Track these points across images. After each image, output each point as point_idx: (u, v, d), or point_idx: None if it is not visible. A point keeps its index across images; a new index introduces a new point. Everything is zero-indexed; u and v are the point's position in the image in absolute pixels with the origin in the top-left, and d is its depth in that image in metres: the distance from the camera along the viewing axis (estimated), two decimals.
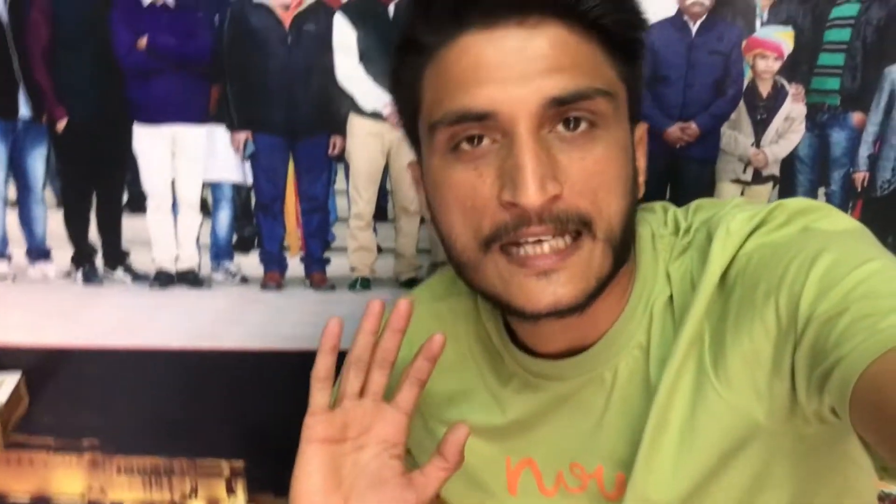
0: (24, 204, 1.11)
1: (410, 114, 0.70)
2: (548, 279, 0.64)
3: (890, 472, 0.75)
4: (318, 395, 0.67)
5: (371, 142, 1.07)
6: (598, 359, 0.74)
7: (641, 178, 0.71)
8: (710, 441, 0.69)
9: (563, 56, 0.61)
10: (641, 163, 0.72)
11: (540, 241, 0.63)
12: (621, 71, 0.66)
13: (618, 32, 0.64)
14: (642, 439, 0.70)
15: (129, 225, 1.12)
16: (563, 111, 0.61)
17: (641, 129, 0.72)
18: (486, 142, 0.63)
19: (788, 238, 0.68)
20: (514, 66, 0.61)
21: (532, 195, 0.60)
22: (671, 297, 0.73)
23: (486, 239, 0.64)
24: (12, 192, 1.11)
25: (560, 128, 0.62)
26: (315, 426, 0.67)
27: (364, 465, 0.68)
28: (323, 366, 0.68)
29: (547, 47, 0.61)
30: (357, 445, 0.68)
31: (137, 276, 1.15)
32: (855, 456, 0.72)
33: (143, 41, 1.03)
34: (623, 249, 0.66)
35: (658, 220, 0.77)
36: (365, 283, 1.15)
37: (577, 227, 0.63)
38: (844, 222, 0.69)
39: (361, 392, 0.68)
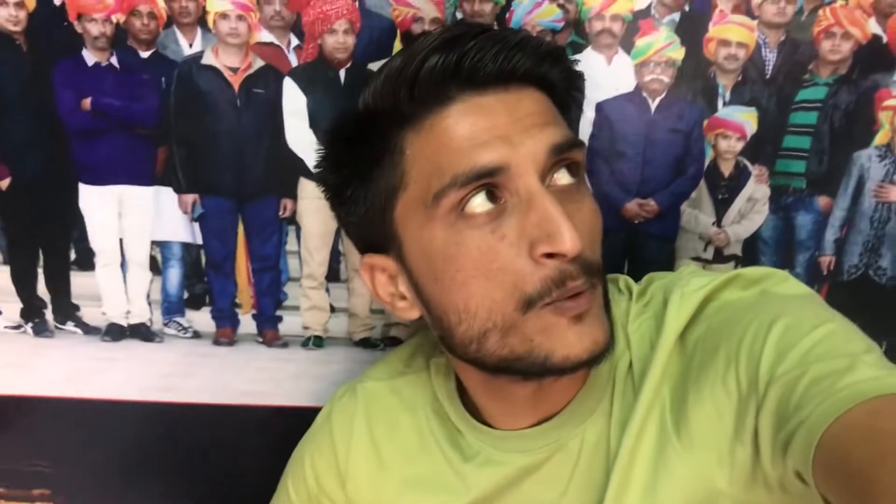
0: None
1: (378, 195, 0.70)
2: (582, 323, 0.66)
3: None
4: None
5: (323, 205, 1.04)
6: (565, 428, 0.75)
7: None
8: None
9: (547, 113, 0.67)
10: None
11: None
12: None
13: (570, 97, 0.73)
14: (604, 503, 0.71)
15: (79, 281, 1.13)
16: (560, 160, 0.66)
17: None
18: (499, 203, 0.64)
19: (746, 302, 0.70)
20: (513, 124, 0.66)
21: (570, 241, 0.63)
22: (631, 361, 0.74)
23: (531, 298, 0.64)
24: None
25: (557, 178, 0.66)
26: None
27: None
28: None
29: (534, 106, 0.66)
30: None
31: (89, 329, 1.15)
32: None
33: (86, 102, 1.02)
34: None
35: (612, 287, 0.78)
36: (318, 342, 1.15)
37: (595, 278, 0.65)
38: (800, 288, 0.73)
39: None
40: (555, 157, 0.65)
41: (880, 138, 0.94)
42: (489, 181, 0.63)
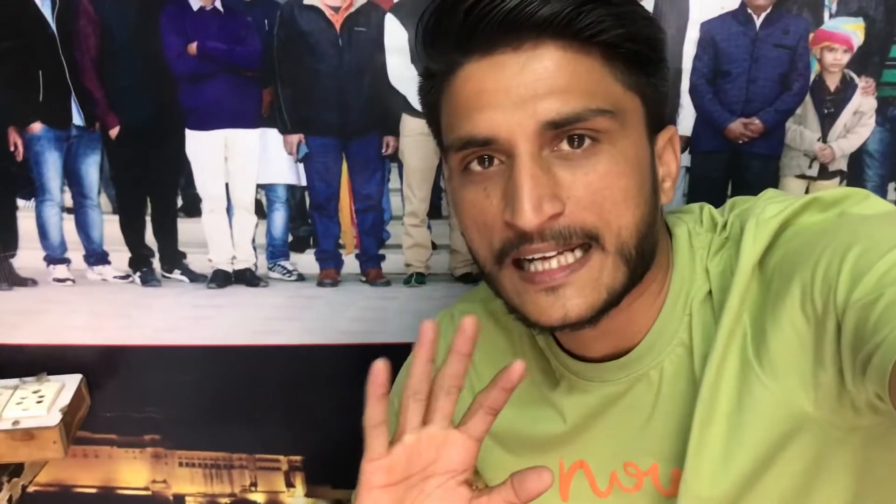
0: (80, 210, 1.15)
1: (436, 133, 0.74)
2: (556, 294, 0.68)
3: None
4: (375, 441, 0.65)
5: (424, 141, 1.09)
6: (643, 359, 0.77)
7: (668, 184, 0.74)
8: (759, 433, 0.71)
9: (560, 78, 0.64)
10: (672, 166, 0.74)
11: (547, 258, 0.67)
12: (633, 83, 0.68)
13: (621, 46, 0.66)
14: (690, 435, 0.73)
15: (185, 228, 1.16)
16: (561, 132, 0.65)
17: (668, 133, 0.74)
18: (494, 163, 0.66)
19: (823, 226, 0.70)
20: (511, 92, 0.64)
21: (527, 216, 0.64)
22: (710, 292, 0.75)
23: (498, 254, 0.69)
24: (68, 199, 1.14)
25: (564, 145, 0.66)
26: (374, 473, 0.65)
27: (429, 495, 0.67)
28: (375, 413, 0.65)
29: (542, 70, 0.64)
30: (423, 476, 0.67)
31: (195, 277, 1.18)
32: None
33: (192, 46, 1.05)
34: (641, 260, 0.69)
35: (694, 219, 0.79)
36: (420, 279, 1.18)
37: (584, 241, 0.66)
38: (879, 206, 0.72)
39: (424, 420, 0.67)
40: (552, 131, 0.64)
41: None
42: (481, 150, 0.66)
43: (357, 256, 1.17)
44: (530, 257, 0.67)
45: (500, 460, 0.88)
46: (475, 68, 0.66)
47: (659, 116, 0.72)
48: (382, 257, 1.17)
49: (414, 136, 1.09)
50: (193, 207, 1.14)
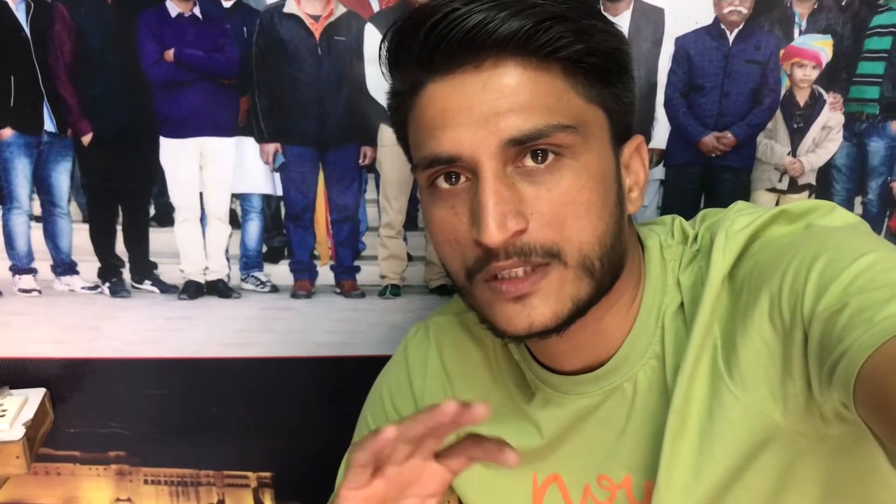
0: (49, 219, 1.13)
1: (406, 150, 0.75)
2: (522, 304, 0.69)
3: None
4: (357, 475, 0.62)
5: (401, 152, 1.08)
6: (616, 372, 0.78)
7: (635, 194, 0.75)
8: (730, 444, 0.72)
9: (521, 95, 0.65)
10: (640, 176, 0.75)
11: (513, 272, 0.67)
12: (594, 96, 0.69)
13: (581, 61, 0.67)
14: (662, 447, 0.74)
15: (157, 237, 1.14)
16: (524, 149, 0.66)
17: (635, 143, 0.75)
18: (461, 180, 0.68)
19: (790, 238, 0.72)
20: (474, 110, 0.66)
21: (492, 234, 0.65)
22: (682, 304, 0.76)
23: (469, 271, 0.69)
24: (37, 207, 1.12)
25: (528, 160, 0.67)
26: (352, 500, 0.63)
27: None
28: (363, 457, 0.60)
29: (504, 88, 0.65)
30: (396, 498, 0.66)
31: (166, 288, 1.17)
32: (882, 465, 0.75)
33: (170, 53, 1.04)
34: (608, 270, 0.70)
35: (666, 231, 0.80)
36: (395, 290, 1.18)
37: (543, 259, 0.67)
38: (845, 218, 0.74)
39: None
40: (514, 148, 0.65)
41: None
42: (447, 168, 0.68)
43: (332, 268, 1.17)
44: (497, 274, 0.68)
45: (474, 473, 0.88)
46: (438, 87, 0.67)
47: (624, 127, 0.73)
48: (357, 269, 1.17)
49: (392, 147, 1.09)
50: (166, 217, 1.13)
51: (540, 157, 0.66)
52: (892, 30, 0.99)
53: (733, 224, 0.74)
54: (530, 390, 0.84)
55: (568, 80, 0.67)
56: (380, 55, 0.72)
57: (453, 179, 0.68)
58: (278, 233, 1.15)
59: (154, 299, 1.17)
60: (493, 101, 0.65)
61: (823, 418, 0.68)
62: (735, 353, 0.71)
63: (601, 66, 0.68)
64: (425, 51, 0.66)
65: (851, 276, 0.62)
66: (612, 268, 0.71)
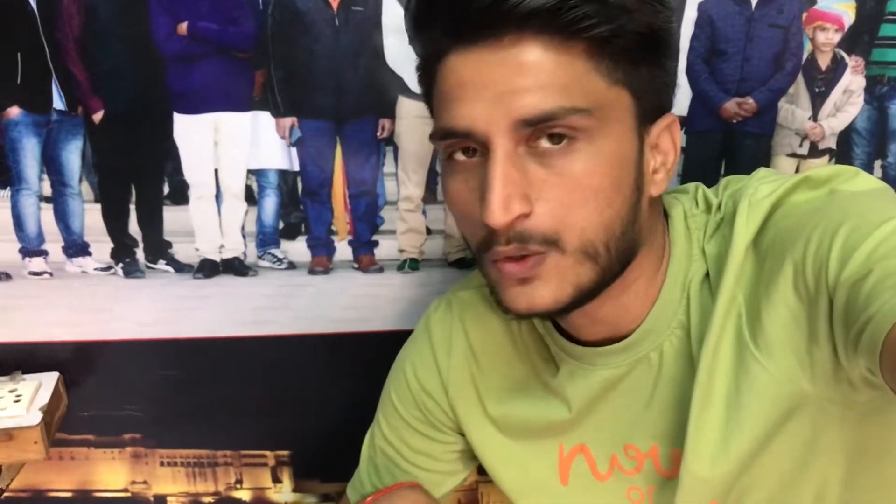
0: (59, 199, 1.09)
1: (433, 116, 0.74)
2: (524, 286, 0.68)
3: None
4: None
5: (420, 124, 1.07)
6: (642, 342, 0.77)
7: (660, 175, 0.72)
8: (757, 412, 0.72)
9: (538, 75, 0.63)
10: (670, 156, 0.73)
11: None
12: (620, 77, 0.66)
13: (608, 41, 0.64)
14: (689, 416, 0.73)
15: (171, 216, 1.12)
16: (536, 130, 0.64)
17: (666, 121, 0.72)
18: (476, 154, 0.66)
19: (814, 204, 0.71)
20: (489, 86, 0.64)
21: (494, 216, 0.64)
22: (707, 274, 0.76)
23: (478, 247, 0.69)
24: (47, 188, 1.09)
25: (543, 142, 0.65)
26: None
27: None
28: None
29: (521, 66, 0.63)
30: None
31: (181, 267, 1.14)
32: None
33: (183, 27, 1.01)
34: (617, 255, 0.69)
35: (689, 200, 0.80)
36: (413, 265, 1.16)
37: (540, 248, 0.66)
38: (869, 183, 0.73)
39: None
40: (528, 129, 0.63)
41: None
42: (463, 141, 0.66)
43: (350, 243, 1.15)
44: (504, 257, 0.67)
45: (500, 445, 0.88)
46: (458, 59, 0.65)
47: (655, 106, 0.70)
48: (376, 243, 1.15)
49: (410, 119, 1.07)
50: (180, 195, 1.10)
51: (556, 139, 0.64)
52: None
53: (756, 192, 0.73)
54: (555, 363, 0.83)
55: (591, 60, 0.64)
56: (406, 18, 0.70)
57: (470, 153, 0.67)
58: (295, 209, 1.12)
59: (169, 279, 1.15)
60: (510, 79, 0.63)
61: (851, 384, 0.68)
62: (760, 321, 0.70)
63: (630, 48, 0.65)
64: (449, 19, 0.64)
65: (876, 242, 0.62)
66: (621, 253, 0.69)
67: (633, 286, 0.74)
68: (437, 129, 0.68)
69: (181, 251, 1.14)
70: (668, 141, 0.72)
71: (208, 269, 1.15)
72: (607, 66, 0.65)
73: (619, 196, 0.67)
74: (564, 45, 0.63)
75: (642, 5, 0.64)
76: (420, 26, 0.68)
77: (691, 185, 0.82)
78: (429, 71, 0.70)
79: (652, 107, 0.69)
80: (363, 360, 1.17)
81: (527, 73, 0.63)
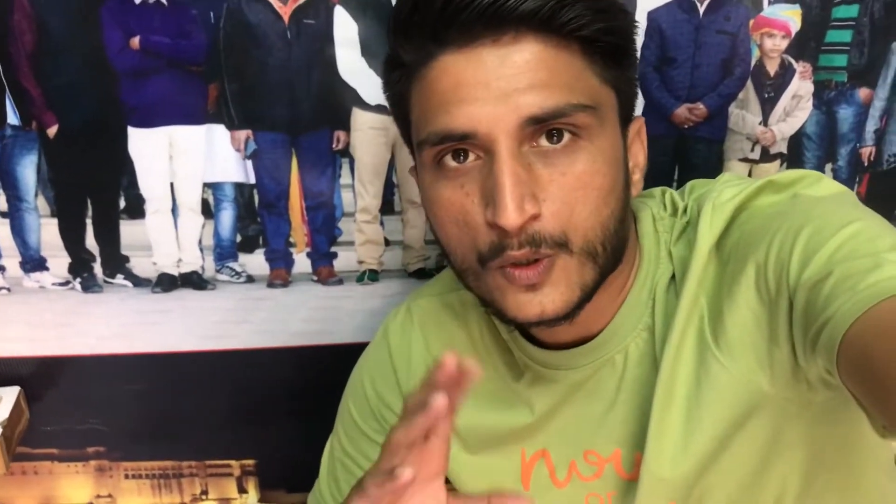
0: (15, 214, 1.09)
1: (404, 125, 0.73)
2: (534, 292, 0.67)
3: (889, 430, 0.79)
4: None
5: (375, 135, 1.08)
6: (608, 345, 0.77)
7: (637, 177, 0.74)
8: (717, 413, 0.72)
9: (541, 72, 0.63)
10: (640, 158, 0.75)
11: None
12: (609, 77, 0.67)
13: (600, 41, 0.65)
14: (650, 417, 0.73)
15: (128, 230, 1.12)
16: (542, 127, 0.64)
17: (637, 125, 0.74)
18: (470, 158, 0.66)
19: (777, 207, 0.72)
20: (491, 85, 0.63)
21: (510, 216, 0.63)
22: (673, 276, 0.76)
23: (482, 256, 0.67)
24: (2, 203, 1.09)
25: (543, 141, 0.65)
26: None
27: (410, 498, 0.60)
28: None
29: (523, 64, 0.63)
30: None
31: (139, 282, 1.14)
32: (866, 431, 0.75)
33: (135, 41, 1.01)
34: (611, 254, 0.70)
35: (657, 204, 0.80)
36: (373, 276, 1.16)
37: (552, 250, 0.65)
38: (831, 188, 0.74)
39: None
40: (532, 127, 0.63)
41: None
42: (458, 144, 0.65)
43: (308, 255, 1.15)
44: (515, 262, 0.66)
45: (463, 459, 0.87)
46: (452, 60, 0.64)
47: (630, 109, 0.72)
48: (334, 255, 1.15)
49: (365, 131, 1.07)
50: (136, 209, 1.10)
51: (556, 138, 0.64)
52: None
53: (720, 195, 0.74)
54: (519, 368, 0.83)
55: (586, 59, 0.65)
56: (389, 22, 0.69)
57: (462, 157, 0.66)
58: (252, 221, 1.12)
59: (127, 293, 1.15)
60: (512, 77, 0.63)
61: (809, 385, 0.68)
62: (722, 322, 0.70)
63: (617, 46, 0.67)
64: (442, 21, 0.63)
65: (836, 244, 0.62)
66: (614, 251, 0.70)
67: (609, 286, 0.74)
68: (431, 134, 0.66)
69: (139, 265, 1.14)
70: (638, 144, 0.74)
71: (167, 283, 1.14)
72: (599, 65, 0.66)
73: (614, 195, 0.67)
74: (562, 44, 0.64)
75: (618, 10, 0.67)
76: (408, 28, 0.66)
77: (657, 190, 0.83)
78: (407, 76, 0.68)
79: (627, 107, 0.71)
80: (325, 373, 1.17)
81: (530, 71, 0.62)
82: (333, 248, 1.15)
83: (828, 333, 0.57)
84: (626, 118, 0.71)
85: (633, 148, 0.74)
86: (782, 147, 1.07)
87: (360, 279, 1.16)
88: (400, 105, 0.72)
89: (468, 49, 0.63)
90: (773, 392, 0.70)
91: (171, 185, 1.10)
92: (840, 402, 0.70)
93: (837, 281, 0.59)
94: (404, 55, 0.68)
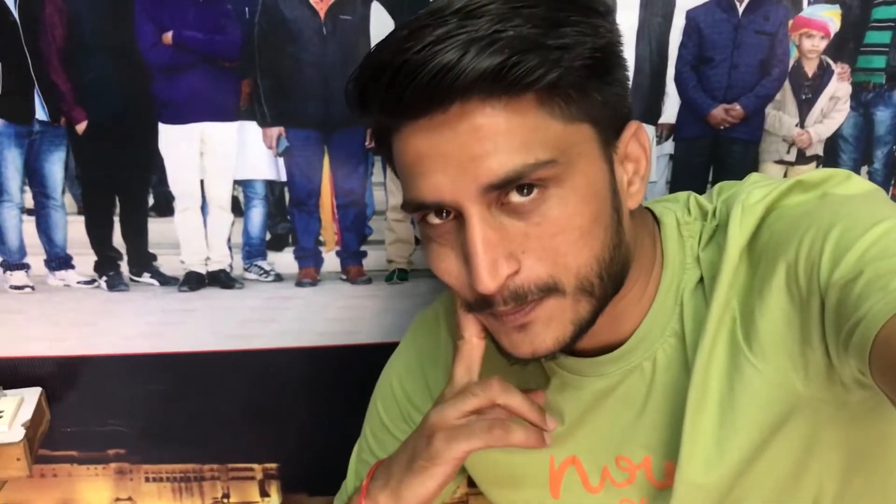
0: (42, 211, 1.07)
1: (395, 172, 0.72)
2: (525, 332, 0.67)
3: None
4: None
5: None
6: (635, 351, 0.77)
7: (636, 187, 0.71)
8: (752, 417, 0.71)
9: (494, 138, 0.62)
10: (641, 164, 0.71)
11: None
12: (576, 112, 0.64)
13: (557, 86, 0.62)
14: (683, 424, 0.72)
15: (156, 228, 1.10)
16: (505, 189, 0.62)
17: (630, 131, 0.70)
18: (451, 215, 0.65)
19: (806, 207, 0.71)
20: (448, 156, 0.62)
21: (484, 282, 0.63)
22: (701, 279, 0.75)
23: (471, 307, 0.69)
24: (29, 200, 1.06)
25: (513, 196, 0.63)
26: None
27: None
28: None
29: (475, 133, 0.62)
30: None
31: (166, 280, 1.12)
32: None
33: (168, 36, 1.00)
34: (610, 283, 0.69)
35: (682, 208, 0.79)
36: (402, 275, 1.15)
37: (539, 296, 0.65)
38: (861, 186, 0.73)
39: None
40: (496, 190, 0.63)
41: None
42: (433, 209, 0.65)
43: (338, 254, 1.14)
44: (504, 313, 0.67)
45: (490, 460, 0.86)
46: (410, 132, 0.63)
47: (616, 121, 0.68)
48: (364, 254, 1.14)
49: None
50: (165, 206, 1.08)
51: (525, 191, 0.63)
52: None
53: (749, 196, 0.73)
54: (546, 374, 0.82)
55: (543, 108, 0.62)
56: (345, 99, 0.68)
57: (444, 214, 0.65)
58: (282, 219, 1.11)
59: (153, 292, 1.13)
60: (467, 146, 0.61)
61: (843, 385, 0.68)
62: (754, 324, 0.70)
63: (578, 82, 0.63)
64: (389, 101, 0.62)
65: (867, 244, 0.62)
66: (613, 277, 0.69)
67: (627, 296, 0.73)
68: (408, 201, 0.66)
69: (166, 264, 1.12)
70: (636, 148, 0.71)
71: (194, 281, 1.13)
72: (561, 107, 0.62)
73: (600, 227, 0.66)
74: (513, 103, 0.61)
75: (582, 35, 0.62)
76: (361, 107, 0.66)
77: (682, 194, 0.82)
78: (384, 142, 0.68)
79: (613, 124, 0.68)
80: (351, 373, 1.16)
81: (483, 139, 0.61)
82: (363, 247, 1.14)
83: (860, 333, 0.57)
84: (610, 135, 0.68)
85: (630, 154, 0.70)
86: (818, 149, 1.07)
87: (388, 278, 1.15)
88: (388, 159, 0.71)
89: (423, 120, 0.62)
90: (807, 394, 0.69)
91: (202, 182, 1.08)
92: (876, 403, 0.69)
93: (869, 281, 0.59)
94: (375, 118, 0.68)
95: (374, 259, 1.14)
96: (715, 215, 0.76)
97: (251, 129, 1.06)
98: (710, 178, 1.09)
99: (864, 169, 1.08)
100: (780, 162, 1.08)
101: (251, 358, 1.17)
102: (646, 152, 0.71)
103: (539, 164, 0.61)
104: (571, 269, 0.65)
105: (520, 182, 0.62)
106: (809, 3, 1.00)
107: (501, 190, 0.62)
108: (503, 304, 0.65)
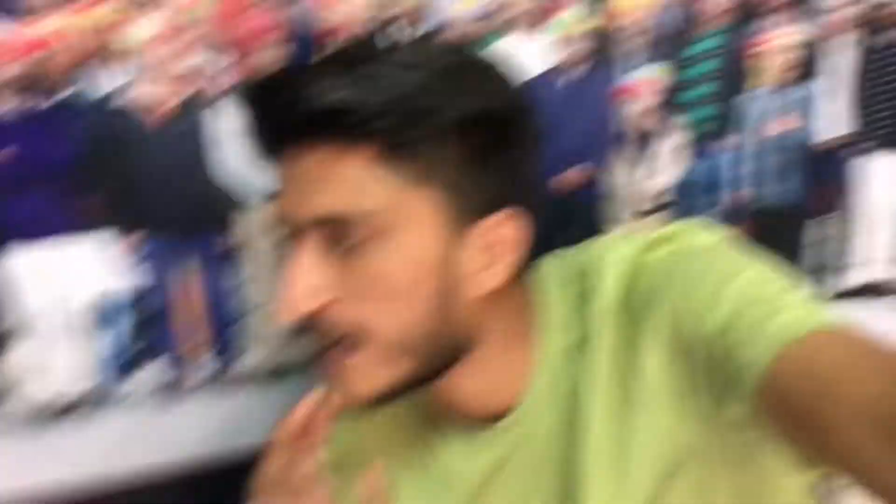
0: None
1: None
2: (340, 377, 0.66)
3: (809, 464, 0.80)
4: None
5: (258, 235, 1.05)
6: (523, 421, 0.75)
7: (491, 271, 0.68)
8: (645, 471, 0.71)
9: (327, 178, 0.62)
10: (506, 253, 0.69)
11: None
12: (429, 175, 0.64)
13: (403, 144, 0.63)
14: (579, 488, 0.72)
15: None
16: (334, 229, 0.63)
17: (500, 217, 0.69)
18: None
19: (669, 261, 0.72)
20: (289, 186, 0.63)
21: (285, 304, 0.63)
22: (583, 339, 0.75)
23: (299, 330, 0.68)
24: None
25: (343, 237, 0.64)
26: None
27: None
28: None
29: (312, 169, 0.62)
30: None
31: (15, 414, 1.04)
32: (790, 470, 0.76)
33: (3, 155, 0.95)
34: (436, 351, 0.67)
35: (562, 268, 0.79)
36: (280, 374, 1.11)
37: (351, 341, 0.65)
38: (712, 237, 0.75)
39: None
40: (325, 228, 0.66)
41: (766, 78, 1.06)
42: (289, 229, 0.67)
43: (206, 360, 1.09)
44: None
45: None
46: (280, 157, 0.65)
47: (487, 200, 0.67)
48: (241, 353, 1.10)
49: (250, 231, 1.05)
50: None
51: (352, 235, 0.63)
52: (718, 52, 1.05)
53: (615, 253, 0.74)
54: (448, 440, 0.80)
55: (382, 162, 0.62)
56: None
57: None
58: (145, 332, 1.06)
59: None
60: (299, 182, 0.62)
61: (728, 431, 0.68)
62: (636, 380, 0.70)
63: (442, 146, 0.63)
64: (258, 134, 0.63)
65: (736, 293, 0.63)
66: (444, 349, 0.67)
67: (491, 365, 0.72)
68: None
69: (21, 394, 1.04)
70: (507, 234, 0.68)
71: (48, 414, 1.05)
72: (406, 167, 0.62)
73: (418, 298, 0.63)
74: (350, 149, 0.60)
75: (461, 96, 0.61)
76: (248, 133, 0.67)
77: (561, 252, 0.82)
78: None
79: (481, 202, 0.66)
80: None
81: (317, 177, 0.61)
82: (236, 347, 1.10)
83: (741, 381, 0.58)
84: (471, 212, 0.66)
85: (495, 241, 0.69)
86: (668, 198, 1.11)
87: (261, 379, 1.11)
88: None
89: (286, 148, 0.63)
90: (694, 442, 0.69)
91: (56, 301, 1.02)
92: (759, 447, 0.71)
93: (742, 329, 0.60)
94: None
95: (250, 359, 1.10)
96: (588, 274, 0.77)
97: (102, 242, 1.02)
98: (564, 241, 1.11)
99: (714, 211, 1.13)
100: (635, 214, 1.11)
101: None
102: (516, 242, 0.69)
103: (363, 213, 0.61)
104: (382, 325, 0.63)
105: (345, 225, 0.61)
106: (637, 66, 1.05)
107: (331, 227, 0.61)
108: (320, 338, 0.63)
